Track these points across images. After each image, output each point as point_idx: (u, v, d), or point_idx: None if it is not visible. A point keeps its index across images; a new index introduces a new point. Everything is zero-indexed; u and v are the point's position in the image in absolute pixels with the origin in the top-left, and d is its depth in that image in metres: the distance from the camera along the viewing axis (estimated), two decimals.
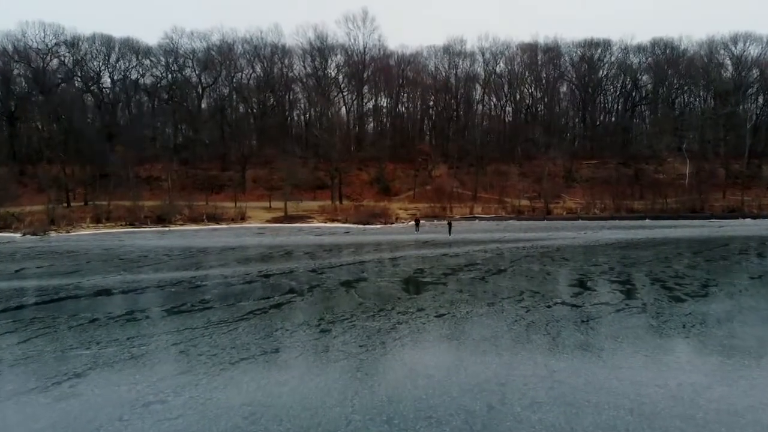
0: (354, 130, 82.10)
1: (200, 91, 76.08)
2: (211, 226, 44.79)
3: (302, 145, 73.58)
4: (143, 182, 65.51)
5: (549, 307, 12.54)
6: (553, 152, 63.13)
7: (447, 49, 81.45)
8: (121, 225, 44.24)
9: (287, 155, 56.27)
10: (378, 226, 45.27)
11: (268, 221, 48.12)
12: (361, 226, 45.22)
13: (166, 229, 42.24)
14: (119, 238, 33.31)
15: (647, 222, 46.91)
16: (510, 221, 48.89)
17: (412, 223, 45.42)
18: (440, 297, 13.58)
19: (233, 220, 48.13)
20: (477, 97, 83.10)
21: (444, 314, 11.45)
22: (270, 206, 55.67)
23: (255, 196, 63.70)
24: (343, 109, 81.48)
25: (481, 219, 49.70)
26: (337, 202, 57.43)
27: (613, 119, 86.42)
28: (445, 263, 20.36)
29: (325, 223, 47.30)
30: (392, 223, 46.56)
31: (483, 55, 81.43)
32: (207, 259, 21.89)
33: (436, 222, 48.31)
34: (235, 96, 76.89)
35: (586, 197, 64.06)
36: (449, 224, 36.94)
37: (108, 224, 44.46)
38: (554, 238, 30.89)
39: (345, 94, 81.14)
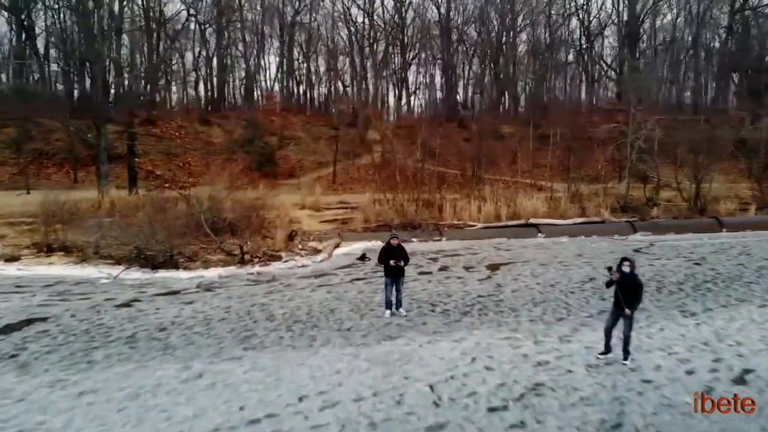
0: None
1: None
2: None
3: None
4: None
5: None
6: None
7: None
8: None
9: None
10: (211, 274, 15.69)
11: None
12: (146, 275, 15.41)
13: None
14: None
15: None
16: (637, 236, 21.80)
17: (349, 257, 16.54)
18: None
19: None
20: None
21: None
22: None
23: None
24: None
25: (547, 231, 21.75)
26: (114, 192, 26.09)
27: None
28: None
29: (36, 263, 16.51)
30: (278, 259, 17.12)
31: None
32: None
33: (416, 241, 19.61)
34: None
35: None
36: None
37: None
38: None
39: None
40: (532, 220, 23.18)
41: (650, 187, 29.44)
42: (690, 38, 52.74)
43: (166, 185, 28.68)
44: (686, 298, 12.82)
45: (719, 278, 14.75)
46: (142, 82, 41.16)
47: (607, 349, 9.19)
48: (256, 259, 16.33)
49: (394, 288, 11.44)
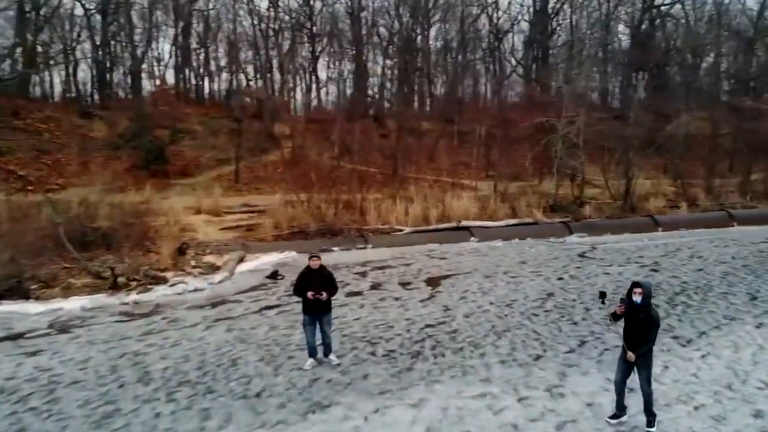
0: None
1: None
2: None
3: None
4: None
5: None
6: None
7: None
8: None
9: None
10: (72, 305, 11.95)
11: None
12: None
13: None
14: None
15: None
16: (573, 238, 20.17)
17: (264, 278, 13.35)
18: None
19: None
20: None
21: None
22: None
23: None
24: None
25: (479, 237, 19.61)
26: None
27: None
28: None
29: None
30: (164, 281, 13.56)
31: None
32: None
33: (338, 250, 16.40)
34: None
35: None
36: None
37: None
38: None
39: None
40: (464, 223, 20.89)
41: (576, 185, 28.26)
42: (596, 37, 53.49)
43: (30, 188, 23.90)
44: (668, 317, 10.80)
45: (689, 289, 12.99)
46: (3, 67, 35.11)
47: (621, 410, 6.72)
48: (134, 283, 12.66)
49: (317, 329, 8.42)
